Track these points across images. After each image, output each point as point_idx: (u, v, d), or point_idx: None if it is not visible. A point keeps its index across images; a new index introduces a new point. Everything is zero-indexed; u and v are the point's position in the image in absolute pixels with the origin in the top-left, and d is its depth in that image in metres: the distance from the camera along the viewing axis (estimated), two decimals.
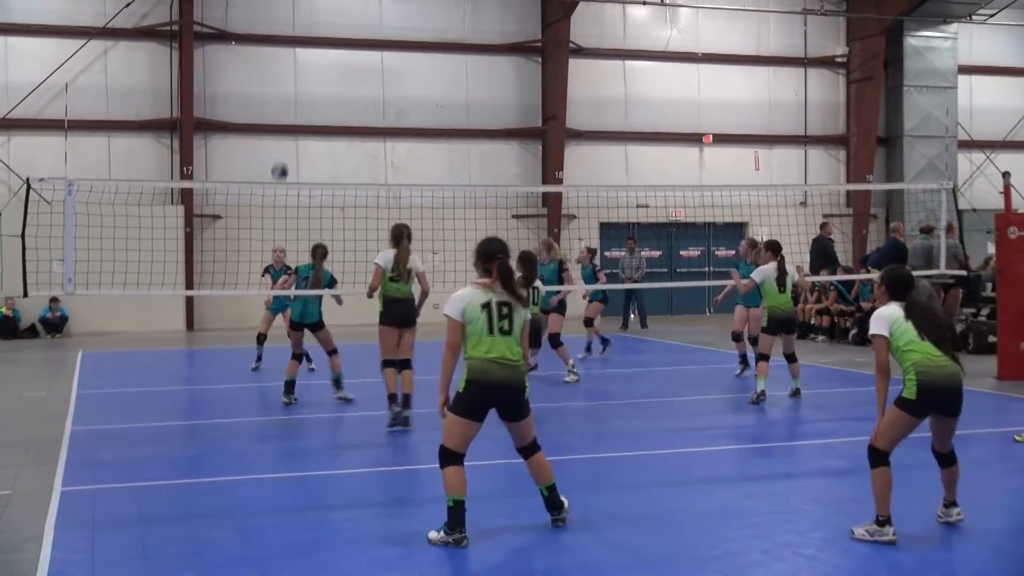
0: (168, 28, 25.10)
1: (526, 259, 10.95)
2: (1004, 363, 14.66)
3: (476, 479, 7.92)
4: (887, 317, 6.83)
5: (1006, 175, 15.70)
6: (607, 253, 27.44)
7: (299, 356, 13.20)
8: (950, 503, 7.13)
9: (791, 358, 13.19)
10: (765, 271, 13.05)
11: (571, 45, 27.22)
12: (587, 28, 27.77)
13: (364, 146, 26.65)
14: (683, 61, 28.79)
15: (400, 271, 11.00)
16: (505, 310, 6.93)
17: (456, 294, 7.00)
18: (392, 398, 10.98)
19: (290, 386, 12.93)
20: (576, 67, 27.46)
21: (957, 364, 6.75)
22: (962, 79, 30.65)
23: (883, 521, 6.72)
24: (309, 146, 26.22)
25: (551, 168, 27.29)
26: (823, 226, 22.65)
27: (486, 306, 6.90)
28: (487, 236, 7.26)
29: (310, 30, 26.17)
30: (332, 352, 13.10)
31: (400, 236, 11.12)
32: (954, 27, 30.29)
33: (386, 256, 11.05)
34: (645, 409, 12.65)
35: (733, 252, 29.12)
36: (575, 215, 26.93)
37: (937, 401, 6.71)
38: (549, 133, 27.45)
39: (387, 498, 8.20)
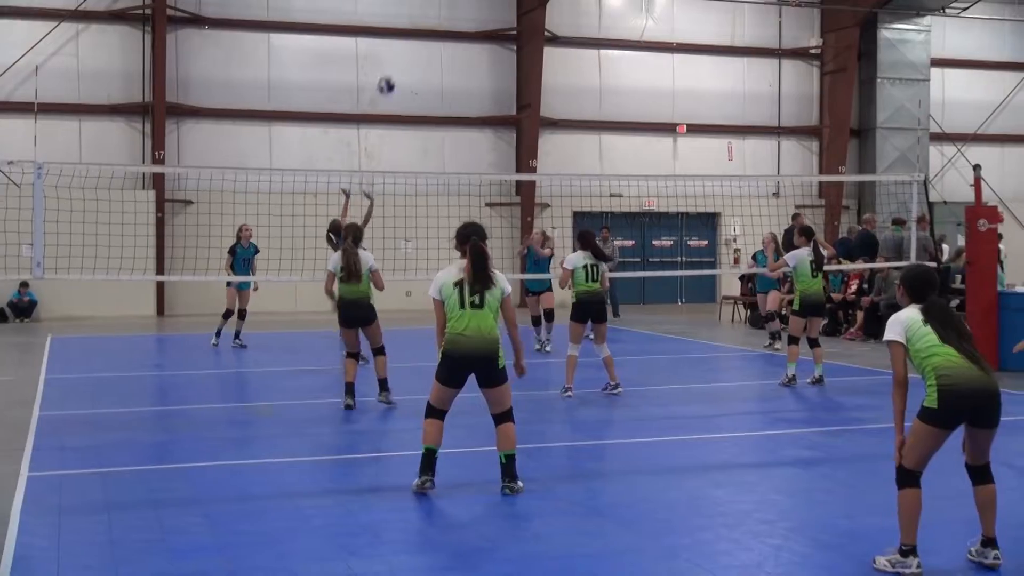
0: (141, 11, 24.88)
1: (587, 237, 12.63)
2: None
3: (456, 465, 7.93)
4: (903, 322, 6.08)
5: (976, 168, 15.80)
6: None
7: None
8: (988, 541, 6.09)
9: (814, 342, 13.36)
10: (798, 255, 13.24)
11: (546, 33, 27.19)
12: (562, 17, 27.73)
13: (338, 132, 26.53)
14: (658, 51, 28.81)
15: (348, 272, 11.22)
16: (477, 286, 7.57)
17: (437, 275, 7.83)
18: (348, 387, 11.35)
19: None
20: (551, 56, 27.43)
21: (983, 369, 5.92)
22: (935, 72, 30.80)
23: (907, 551, 5.90)
24: (282, 132, 26.09)
25: (525, 156, 27.26)
26: (795, 217, 22.67)
27: (458, 284, 7.62)
28: (466, 220, 8.03)
29: (284, 15, 26.00)
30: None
31: (345, 238, 11.44)
32: (927, 20, 30.44)
33: (335, 260, 11.44)
34: (616, 398, 12.66)
35: (705, 242, 29.23)
36: (548, 203, 26.92)
37: (964, 410, 5.88)
38: (523, 121, 27.42)
39: (356, 486, 8.18)
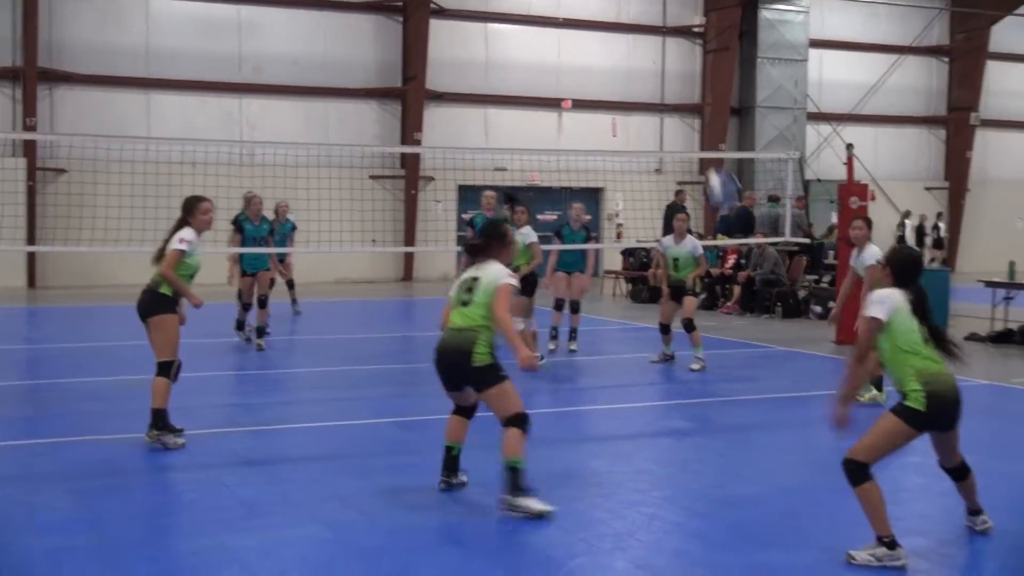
0: None
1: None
2: (843, 328, 15.18)
3: (339, 438, 7.87)
4: (892, 304, 5.81)
5: (849, 147, 16.23)
6: (464, 215, 27.46)
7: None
8: (975, 511, 6.26)
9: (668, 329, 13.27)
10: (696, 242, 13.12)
11: (432, 5, 27.05)
12: None
13: (219, 102, 26.04)
14: (544, 26, 28.89)
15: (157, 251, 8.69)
16: (470, 283, 6.89)
17: None
18: (154, 415, 8.43)
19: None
20: (437, 28, 27.30)
21: (951, 372, 5.89)
22: (813, 53, 31.52)
23: (889, 542, 5.69)
24: (161, 100, 25.49)
25: (410, 129, 27.12)
26: (677, 193, 23.07)
27: (462, 282, 6.96)
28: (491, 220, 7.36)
29: None
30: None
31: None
32: (806, 1, 31.11)
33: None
34: None
35: (589, 217, 29.38)
36: (433, 177, 26.85)
37: (943, 416, 5.79)
38: (409, 94, 27.26)
39: (229, 460, 8.06)
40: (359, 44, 27.32)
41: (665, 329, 13.14)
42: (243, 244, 14.19)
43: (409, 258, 27.21)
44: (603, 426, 9.89)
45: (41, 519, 6.47)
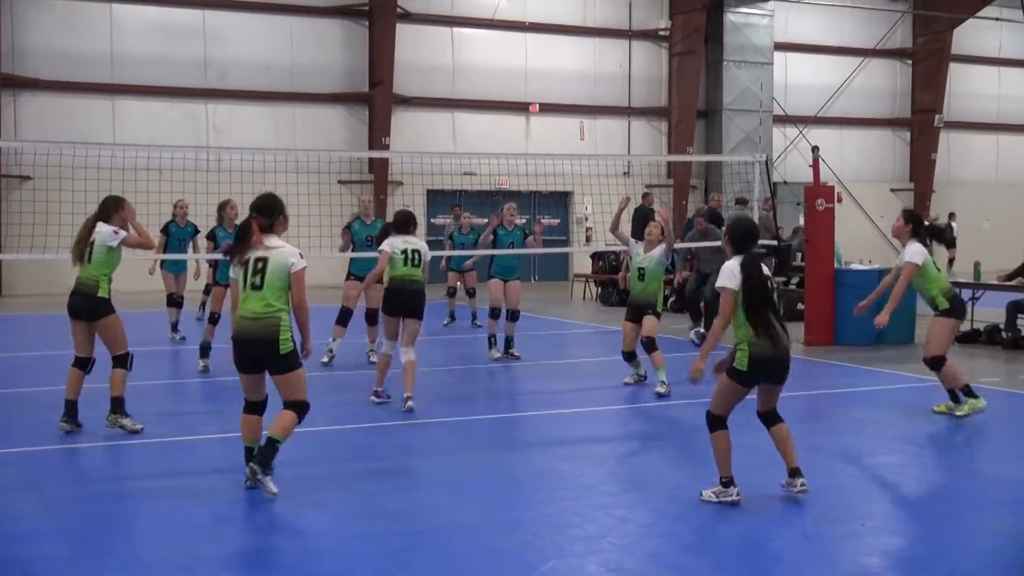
0: None
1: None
2: (810, 329, 15.33)
3: (305, 445, 7.86)
4: (737, 274, 6.79)
5: (815, 149, 16.33)
6: (433, 220, 27.48)
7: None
8: (793, 471, 7.01)
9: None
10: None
11: (398, 10, 27.04)
12: None
13: (185, 107, 25.92)
14: (511, 30, 28.93)
15: (72, 251, 9.22)
16: (260, 265, 7.08)
17: None
18: (67, 406, 9.16)
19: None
20: (403, 32, 27.29)
21: (779, 341, 6.77)
22: (778, 56, 31.71)
23: (727, 482, 6.89)
24: (126, 106, 25.35)
25: (378, 134, 27.10)
26: (645, 196, 23.15)
27: (245, 263, 7.12)
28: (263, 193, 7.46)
29: None
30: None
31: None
32: (771, 4, 31.29)
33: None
34: (458, 375, 12.73)
35: (558, 221, 29.50)
36: (401, 182, 26.83)
37: (766, 373, 6.86)
38: (376, 98, 27.23)
39: (198, 468, 8.04)
40: (325, 49, 27.27)
41: (629, 357, 11.83)
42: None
43: None
44: (572, 429, 9.89)
45: (11, 529, 6.43)
